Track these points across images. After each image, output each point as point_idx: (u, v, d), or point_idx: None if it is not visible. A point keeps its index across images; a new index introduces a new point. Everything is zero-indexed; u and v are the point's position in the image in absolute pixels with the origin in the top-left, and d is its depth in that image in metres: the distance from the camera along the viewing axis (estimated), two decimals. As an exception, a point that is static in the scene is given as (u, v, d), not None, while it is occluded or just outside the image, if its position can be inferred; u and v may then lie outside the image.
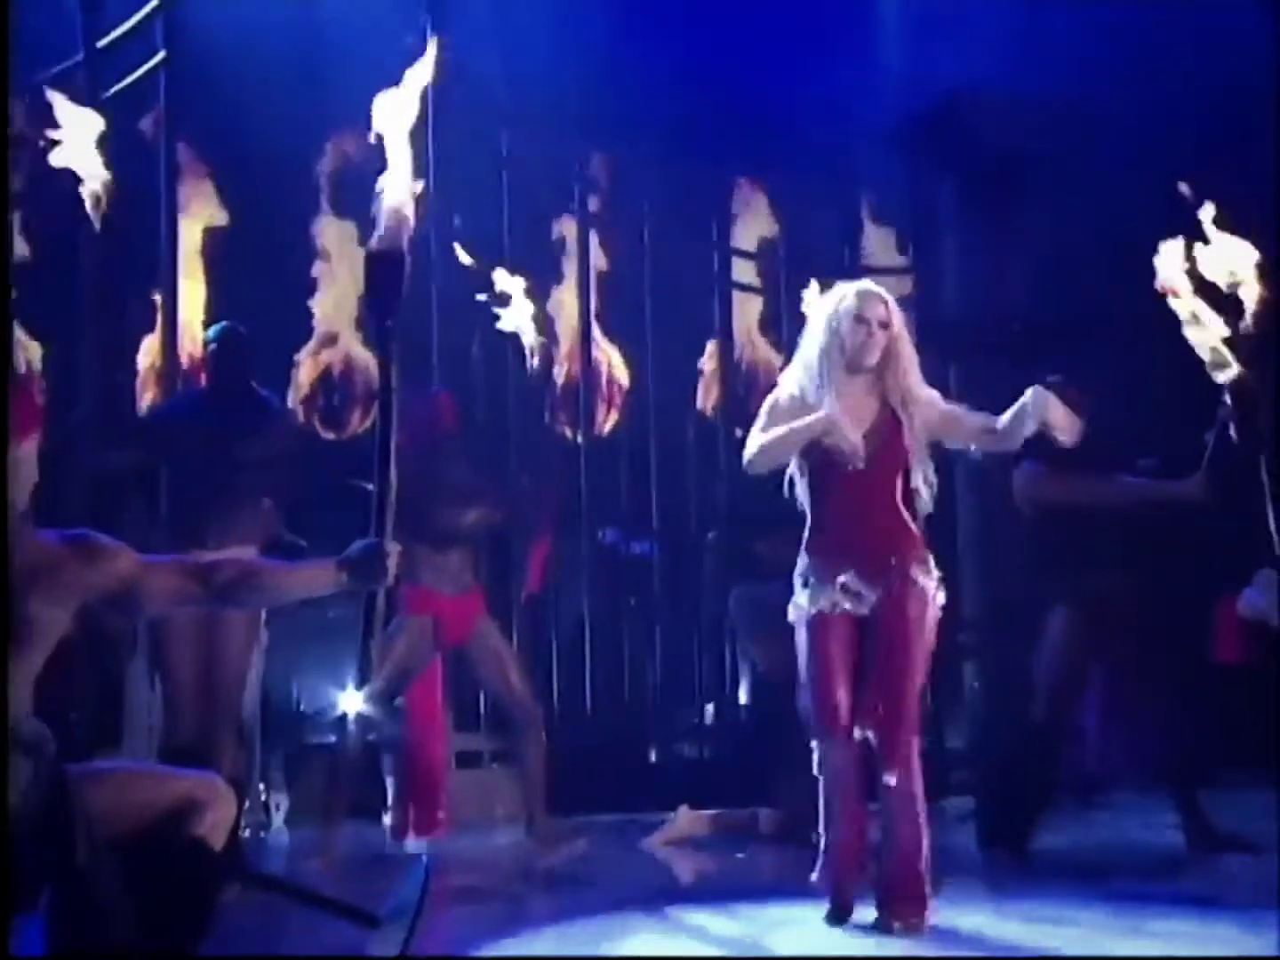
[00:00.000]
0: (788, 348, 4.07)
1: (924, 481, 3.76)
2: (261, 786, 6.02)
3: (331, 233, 7.79)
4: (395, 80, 3.05)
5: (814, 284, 4.00)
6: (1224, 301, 4.10)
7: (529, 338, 5.64)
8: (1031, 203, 7.36)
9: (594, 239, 7.83)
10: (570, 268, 7.89)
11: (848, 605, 3.66)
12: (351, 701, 4.85)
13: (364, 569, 2.89)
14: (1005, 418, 3.71)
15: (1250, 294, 4.05)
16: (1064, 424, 3.68)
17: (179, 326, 6.25)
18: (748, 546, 5.55)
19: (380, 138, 3.01)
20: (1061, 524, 4.90)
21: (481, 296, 5.54)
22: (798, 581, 3.74)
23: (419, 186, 3.02)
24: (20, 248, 6.00)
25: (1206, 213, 4.08)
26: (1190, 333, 4.05)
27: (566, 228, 7.95)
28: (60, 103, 3.88)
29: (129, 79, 5.95)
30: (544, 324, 6.36)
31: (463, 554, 5.53)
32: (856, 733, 3.63)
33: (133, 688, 5.45)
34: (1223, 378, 4.09)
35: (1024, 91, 6.94)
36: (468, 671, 5.82)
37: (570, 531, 7.23)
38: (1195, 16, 6.76)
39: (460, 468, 5.50)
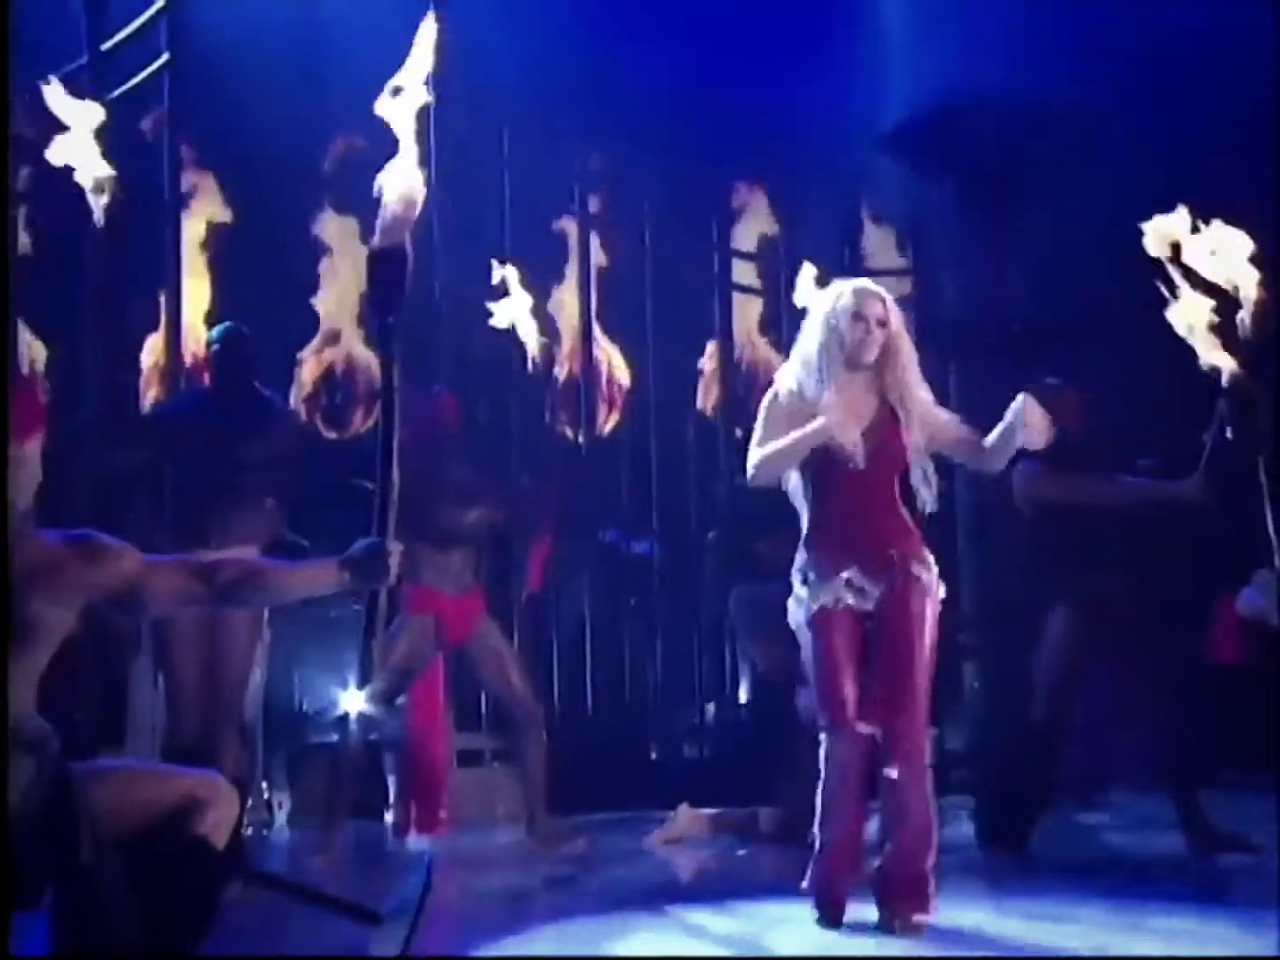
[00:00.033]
0: (787, 348, 4.07)
1: (923, 480, 3.77)
2: (264, 785, 6.03)
3: (334, 230, 7.81)
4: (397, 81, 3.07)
5: (807, 269, 3.99)
6: (1223, 302, 4.10)
7: (530, 338, 5.65)
8: (1030, 204, 7.38)
9: (595, 239, 7.85)
10: (571, 268, 7.91)
11: (851, 600, 3.67)
12: (353, 700, 4.86)
13: (366, 568, 2.91)
14: (992, 436, 3.71)
15: (1248, 295, 4.06)
16: (1038, 424, 3.68)
17: (182, 325, 6.26)
18: (748, 546, 5.56)
19: (383, 136, 3.03)
20: (1060, 524, 4.91)
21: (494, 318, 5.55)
22: (797, 577, 3.73)
23: (421, 186, 3.03)
24: (25, 246, 6.03)
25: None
26: (1178, 317, 4.05)
27: (567, 228, 7.96)
28: (59, 97, 3.88)
29: (133, 81, 5.96)
30: (545, 324, 6.38)
31: (464, 553, 5.54)
32: (863, 727, 3.64)
33: (136, 687, 5.47)
34: (1221, 378, 4.10)
35: (1023, 93, 6.95)
36: (469, 671, 5.83)
37: (571, 531, 7.24)
38: (1194, 18, 6.77)
39: (462, 467, 5.51)
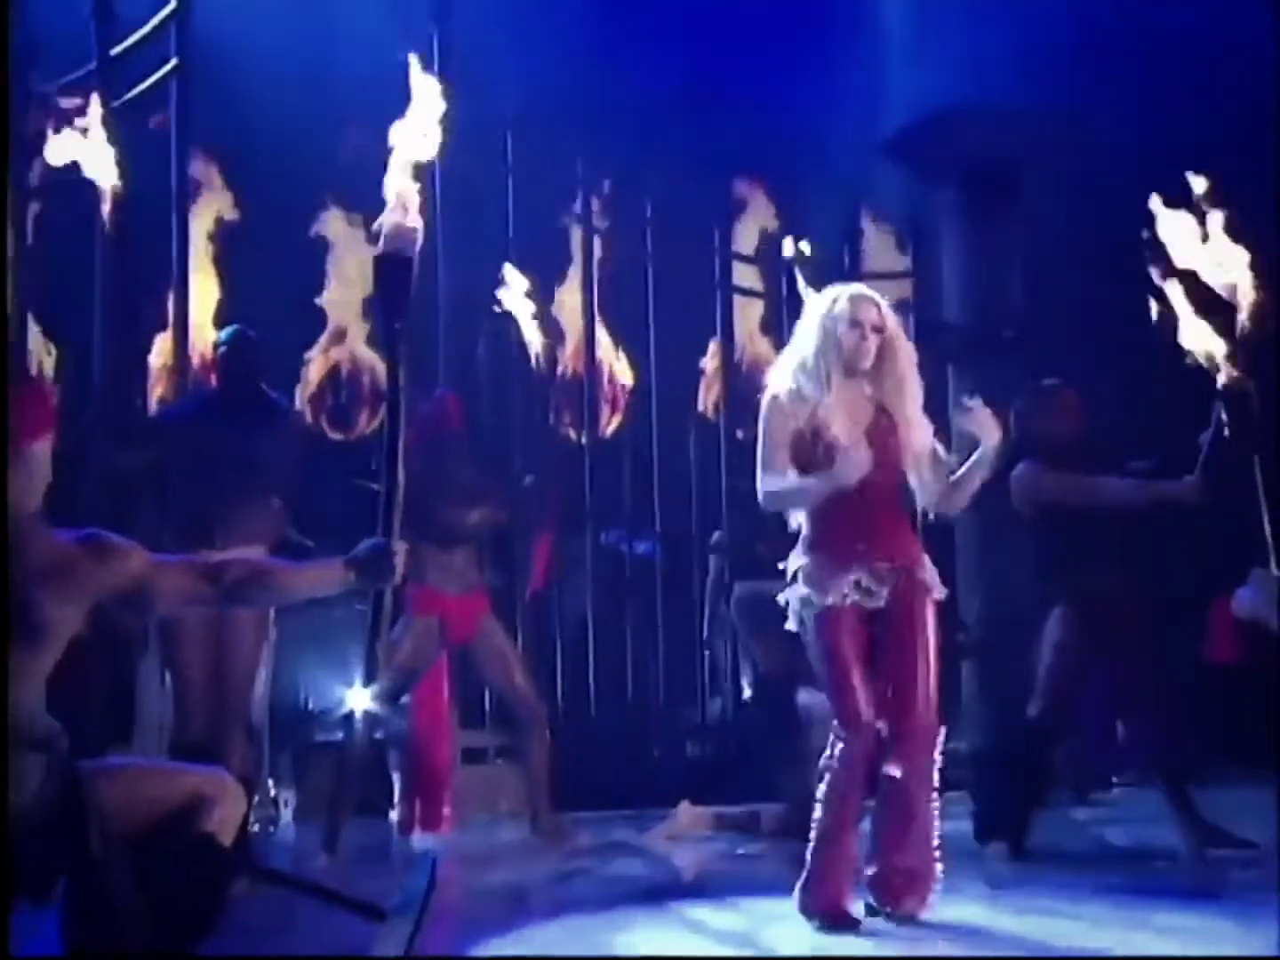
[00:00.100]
0: (787, 349, 4.08)
1: (919, 482, 3.80)
2: (270, 783, 6.05)
3: (340, 229, 7.84)
4: (400, 82, 3.10)
5: (790, 239, 3.98)
6: (1220, 304, 4.13)
7: (533, 339, 5.68)
8: (1030, 205, 7.40)
9: (597, 242, 7.88)
10: (574, 270, 7.94)
11: (857, 598, 3.67)
12: (358, 699, 4.87)
13: (371, 568, 2.94)
14: (960, 471, 3.74)
15: (1246, 296, 4.08)
16: (987, 425, 3.73)
17: (190, 326, 6.30)
18: (749, 546, 5.59)
19: (388, 144, 3.07)
20: (1058, 524, 4.91)
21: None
22: (802, 580, 3.71)
23: (419, 224, 3.06)
24: (34, 247, 6.06)
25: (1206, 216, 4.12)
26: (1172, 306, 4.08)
27: (570, 230, 7.99)
28: (74, 138, 3.94)
29: (142, 86, 6.00)
30: (548, 325, 6.41)
31: (468, 553, 5.58)
32: (879, 726, 3.64)
33: (144, 686, 5.49)
34: (1218, 378, 4.12)
35: (1023, 95, 6.97)
36: (473, 669, 5.86)
37: (574, 532, 7.27)
38: (1194, 18, 6.79)
39: (465, 468, 5.54)
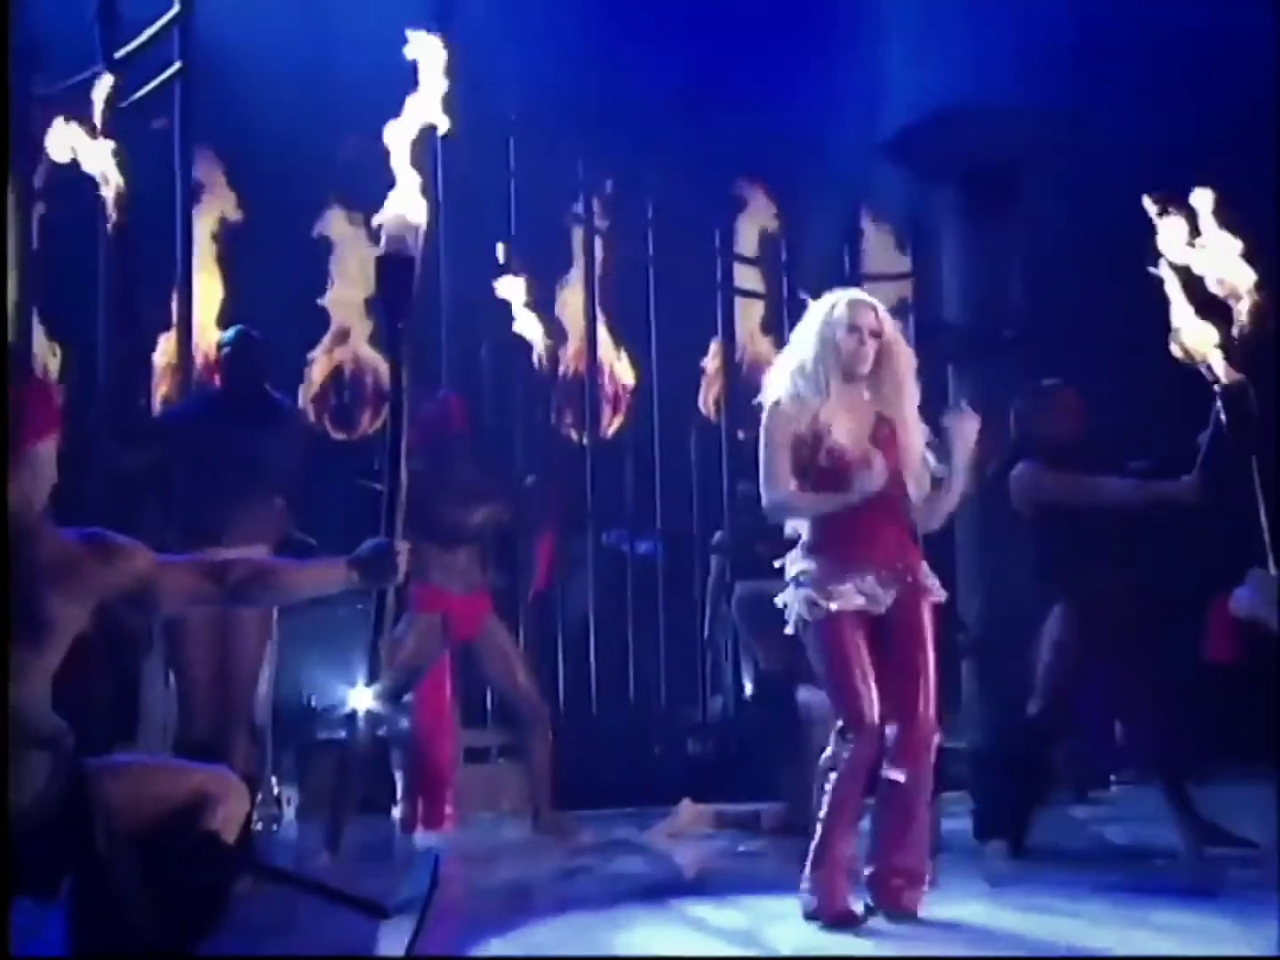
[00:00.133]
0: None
1: (917, 484, 3.81)
2: (273, 781, 6.07)
3: (343, 228, 7.85)
4: (403, 84, 3.12)
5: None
6: (1218, 304, 4.14)
7: (535, 340, 5.70)
8: (1030, 205, 7.41)
9: (599, 244, 7.89)
10: (575, 271, 7.95)
11: (863, 604, 3.69)
12: (361, 698, 4.90)
13: (374, 567, 2.96)
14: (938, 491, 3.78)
15: (1245, 296, 4.09)
16: (966, 432, 3.74)
17: (194, 326, 6.32)
18: (750, 546, 5.60)
19: (389, 144, 3.08)
20: (1058, 524, 4.92)
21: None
22: (806, 582, 3.71)
23: (423, 211, 3.07)
24: (39, 248, 6.08)
25: (1203, 216, 4.13)
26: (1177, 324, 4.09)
27: (572, 230, 8.01)
28: (77, 136, 3.95)
29: (145, 89, 6.02)
30: (549, 326, 6.43)
31: (470, 553, 5.60)
32: (885, 728, 3.65)
33: (148, 685, 5.50)
34: (1217, 379, 4.13)
35: (1023, 96, 6.98)
36: (475, 668, 5.88)
37: (576, 531, 7.29)
38: (1194, 18, 6.79)
39: (468, 468, 5.56)
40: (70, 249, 6.02)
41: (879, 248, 8.58)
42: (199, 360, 6.75)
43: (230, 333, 5.22)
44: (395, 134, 3.07)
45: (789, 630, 3.79)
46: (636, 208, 8.01)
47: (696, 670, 7.83)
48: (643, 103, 7.36)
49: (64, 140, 4.44)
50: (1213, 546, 5.07)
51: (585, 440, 7.70)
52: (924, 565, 3.79)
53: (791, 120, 7.44)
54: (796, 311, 4.10)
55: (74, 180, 4.63)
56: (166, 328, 6.55)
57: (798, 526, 3.82)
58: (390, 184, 3.07)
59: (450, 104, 3.11)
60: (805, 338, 3.80)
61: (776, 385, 3.81)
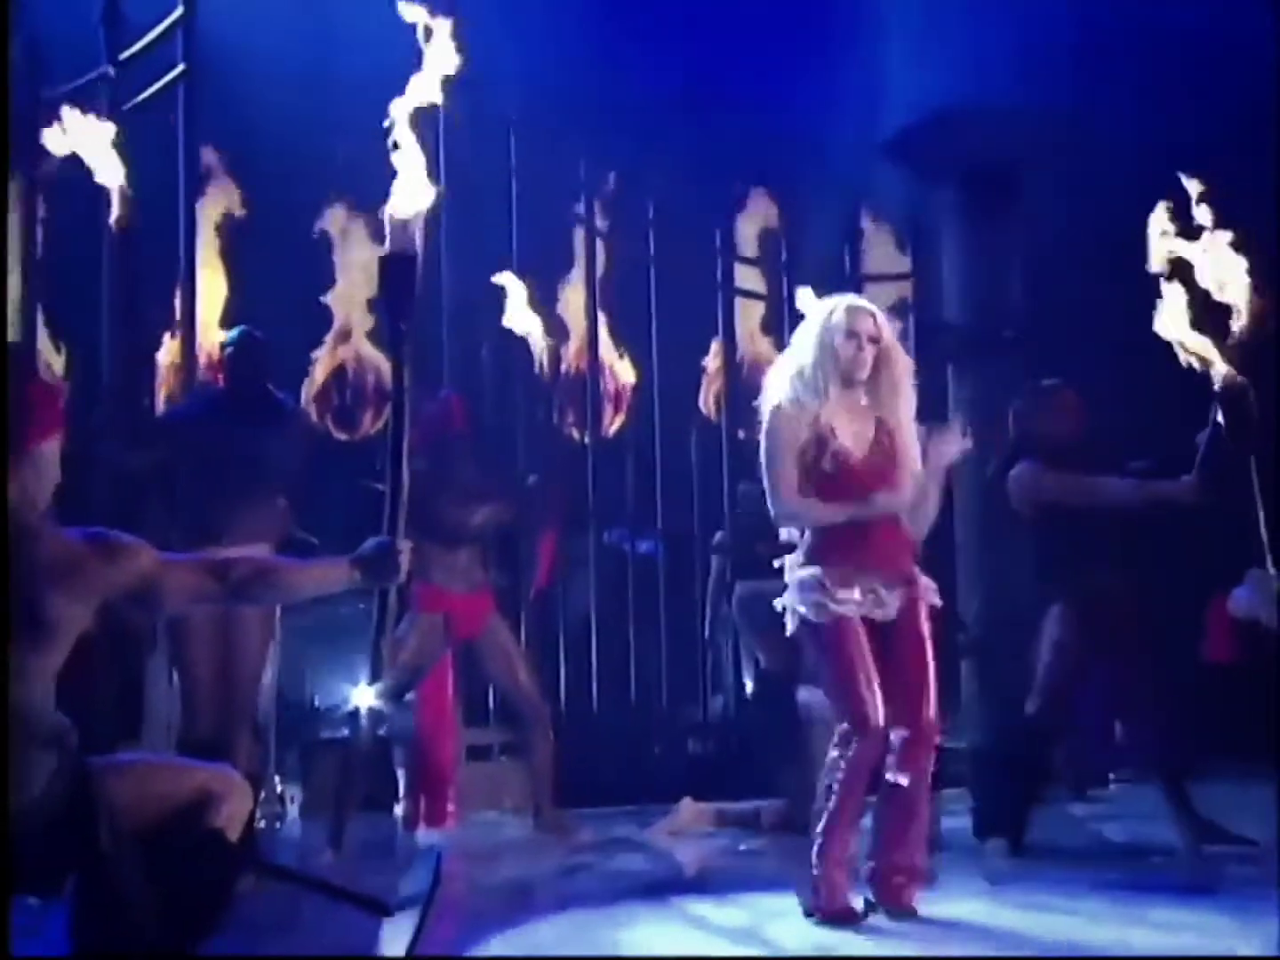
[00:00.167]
0: (789, 348, 4.11)
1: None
2: (276, 779, 6.09)
3: (345, 227, 7.87)
4: (403, 84, 3.13)
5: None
6: (1217, 305, 4.15)
7: (536, 340, 5.71)
8: (1030, 206, 7.41)
9: (600, 244, 7.91)
10: (577, 270, 7.97)
11: (868, 608, 3.70)
12: (364, 696, 4.91)
13: (376, 567, 2.97)
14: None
15: (1243, 296, 4.10)
16: (947, 440, 3.78)
17: (197, 325, 6.33)
18: (750, 546, 5.62)
19: (393, 141, 3.09)
20: (1058, 524, 4.92)
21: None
22: (810, 586, 3.70)
23: (430, 192, 3.08)
24: (42, 248, 6.10)
25: (1203, 216, 4.14)
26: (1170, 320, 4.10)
27: (573, 230, 8.02)
28: (75, 118, 3.95)
29: (149, 91, 6.04)
30: (551, 326, 6.44)
31: (472, 552, 5.61)
32: (890, 731, 3.66)
33: (152, 684, 5.51)
34: (1215, 380, 4.14)
35: (1023, 96, 6.99)
36: (477, 667, 5.89)
37: (577, 531, 7.30)
38: (1194, 18, 6.80)
39: (469, 468, 5.57)
40: (74, 249, 6.04)
41: (879, 248, 8.59)
42: (202, 360, 6.77)
43: (233, 332, 5.23)
44: (399, 110, 3.07)
45: (788, 634, 3.80)
46: (637, 207, 8.02)
47: (697, 669, 7.84)
48: (643, 102, 7.37)
49: (66, 138, 4.45)
50: (1212, 546, 5.09)
51: (586, 440, 7.71)
52: (918, 566, 3.80)
53: (791, 120, 7.45)
54: (797, 312, 4.11)
55: (78, 180, 4.64)
56: (170, 327, 6.57)
57: (794, 531, 3.84)
58: (393, 176, 3.07)
59: (455, 77, 3.12)
60: (804, 343, 3.81)
61: (776, 390, 3.81)
